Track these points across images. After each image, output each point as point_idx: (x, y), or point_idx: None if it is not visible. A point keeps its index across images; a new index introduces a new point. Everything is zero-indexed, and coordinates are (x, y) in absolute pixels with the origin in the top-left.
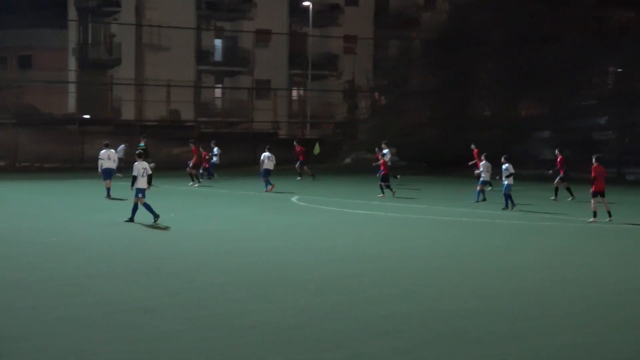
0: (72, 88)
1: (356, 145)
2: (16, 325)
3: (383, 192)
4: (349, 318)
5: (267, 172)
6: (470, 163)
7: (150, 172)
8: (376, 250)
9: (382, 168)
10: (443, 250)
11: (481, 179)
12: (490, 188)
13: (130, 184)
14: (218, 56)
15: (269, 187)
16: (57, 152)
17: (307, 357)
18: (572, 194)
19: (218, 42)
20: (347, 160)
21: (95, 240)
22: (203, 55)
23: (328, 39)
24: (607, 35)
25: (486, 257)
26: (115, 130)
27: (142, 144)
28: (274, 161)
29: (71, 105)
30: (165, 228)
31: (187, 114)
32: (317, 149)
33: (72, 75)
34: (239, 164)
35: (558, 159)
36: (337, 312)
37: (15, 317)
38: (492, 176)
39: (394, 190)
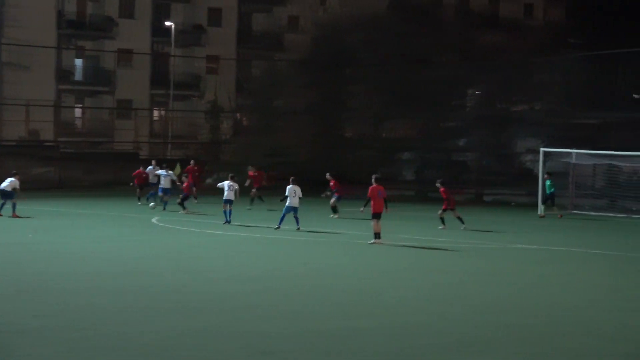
0: None
1: (219, 165)
2: None
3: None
4: (226, 338)
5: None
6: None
7: None
8: (248, 270)
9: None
10: (318, 270)
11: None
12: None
13: None
14: (79, 76)
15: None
16: None
17: None
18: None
19: (79, 62)
20: (209, 180)
21: None
22: (64, 75)
23: (191, 59)
24: (474, 57)
25: (361, 276)
26: None
27: None
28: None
29: None
30: (29, 249)
31: (48, 133)
32: (177, 170)
33: None
34: (101, 184)
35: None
36: (213, 332)
37: None
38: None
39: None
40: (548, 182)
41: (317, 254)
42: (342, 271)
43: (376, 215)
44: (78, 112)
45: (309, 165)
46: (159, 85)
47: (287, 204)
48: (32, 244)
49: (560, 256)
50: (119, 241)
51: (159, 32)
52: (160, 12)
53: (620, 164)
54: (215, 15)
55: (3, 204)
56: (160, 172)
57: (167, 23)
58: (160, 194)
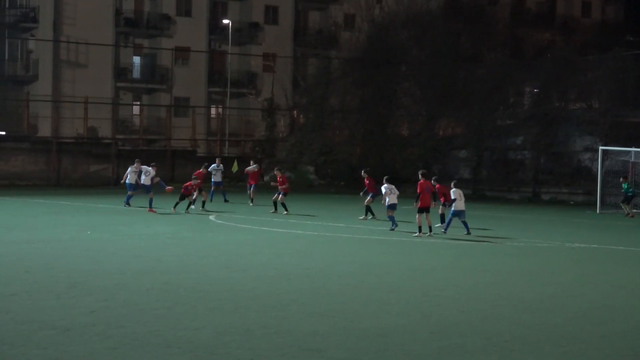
0: None
1: (275, 163)
2: None
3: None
4: (269, 336)
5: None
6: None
7: None
8: (295, 268)
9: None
10: (362, 268)
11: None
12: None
13: None
14: (136, 73)
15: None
16: None
17: None
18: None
19: (137, 59)
20: (266, 178)
21: (8, 258)
22: (121, 72)
23: (247, 57)
24: (525, 55)
25: (406, 274)
26: (32, 147)
27: None
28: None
29: None
30: (83, 246)
31: (105, 131)
32: (235, 167)
33: None
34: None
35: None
36: (258, 330)
37: None
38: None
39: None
40: (625, 185)
41: (361, 251)
42: (385, 269)
43: (422, 210)
44: (135, 109)
45: (359, 163)
46: (216, 83)
47: (453, 208)
48: (89, 241)
49: (618, 255)
50: (171, 239)
51: (216, 30)
52: (217, 10)
53: None
54: (271, 13)
55: (150, 200)
56: (212, 165)
57: (224, 21)
58: (213, 187)
